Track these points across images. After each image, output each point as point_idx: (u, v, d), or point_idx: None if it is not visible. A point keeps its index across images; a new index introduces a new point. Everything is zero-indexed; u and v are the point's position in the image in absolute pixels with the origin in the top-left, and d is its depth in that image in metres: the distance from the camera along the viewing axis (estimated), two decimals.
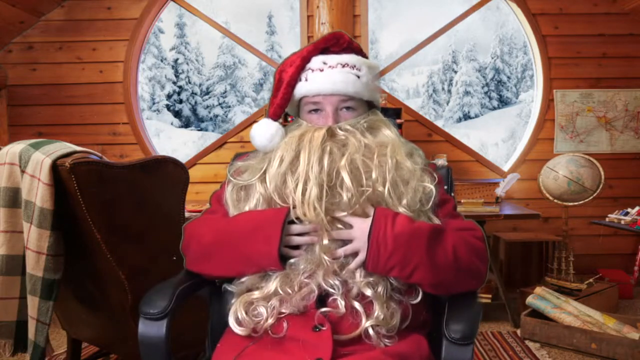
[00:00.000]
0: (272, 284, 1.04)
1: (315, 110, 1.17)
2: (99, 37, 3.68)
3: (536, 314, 2.64)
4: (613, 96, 3.65)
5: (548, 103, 3.67)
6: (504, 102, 23.62)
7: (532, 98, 4.15)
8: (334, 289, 1.02)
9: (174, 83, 21.76)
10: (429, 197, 1.12)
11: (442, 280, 1.04)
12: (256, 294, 1.05)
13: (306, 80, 1.16)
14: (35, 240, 1.52)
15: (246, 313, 1.03)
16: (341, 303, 1.01)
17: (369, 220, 1.03)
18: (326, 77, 1.14)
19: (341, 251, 1.04)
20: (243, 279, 1.09)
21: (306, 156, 1.08)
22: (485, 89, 23.72)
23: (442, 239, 1.05)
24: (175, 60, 21.89)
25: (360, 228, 1.04)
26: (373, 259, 1.01)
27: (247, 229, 1.07)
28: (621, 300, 3.12)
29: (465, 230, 1.12)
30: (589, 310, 2.54)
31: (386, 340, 1.01)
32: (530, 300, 2.66)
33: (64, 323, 2.04)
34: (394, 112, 3.37)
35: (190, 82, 22.13)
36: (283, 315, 1.03)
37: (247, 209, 1.11)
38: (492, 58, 23.75)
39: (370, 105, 1.23)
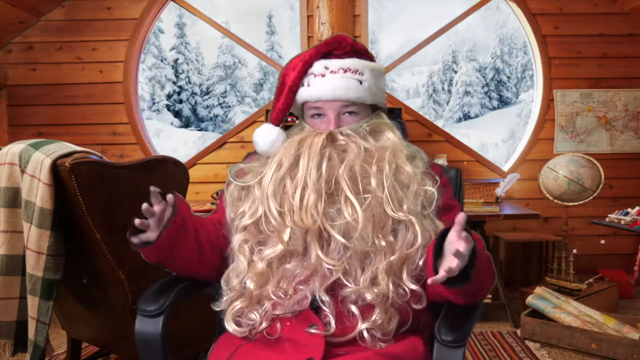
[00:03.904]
0: (256, 290, 1.04)
1: (318, 115, 1.16)
2: (99, 37, 3.67)
3: (536, 314, 2.63)
4: (613, 96, 3.65)
5: (548, 103, 3.67)
6: (504, 102, 23.63)
7: (532, 98, 4.15)
8: (324, 304, 1.01)
9: (174, 83, 21.76)
10: (431, 200, 1.11)
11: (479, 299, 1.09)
12: (238, 303, 1.06)
13: (308, 85, 1.15)
14: (35, 240, 1.52)
15: (237, 324, 1.05)
16: (332, 320, 1.00)
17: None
18: (327, 82, 1.13)
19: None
20: (223, 294, 1.10)
21: (305, 162, 1.08)
22: (485, 89, 23.73)
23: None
24: (175, 60, 21.89)
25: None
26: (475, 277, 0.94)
27: None
28: (621, 300, 3.12)
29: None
30: (589, 310, 2.54)
31: (381, 343, 1.01)
32: (530, 300, 2.66)
33: (64, 323, 2.04)
34: (394, 112, 3.37)
35: (190, 82, 22.14)
36: (276, 316, 1.03)
37: (242, 209, 1.12)
38: (492, 58, 23.75)
39: (375, 108, 1.22)
